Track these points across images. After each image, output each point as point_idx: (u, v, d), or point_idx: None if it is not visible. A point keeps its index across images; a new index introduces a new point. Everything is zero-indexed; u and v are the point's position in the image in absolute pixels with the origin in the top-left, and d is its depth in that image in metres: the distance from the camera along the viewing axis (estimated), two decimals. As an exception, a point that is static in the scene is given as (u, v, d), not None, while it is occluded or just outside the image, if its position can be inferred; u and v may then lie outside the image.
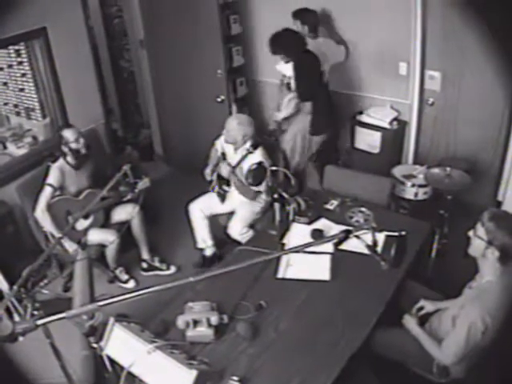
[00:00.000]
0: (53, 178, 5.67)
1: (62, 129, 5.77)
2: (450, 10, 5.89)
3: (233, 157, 5.85)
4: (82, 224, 5.82)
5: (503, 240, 3.47)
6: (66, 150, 5.69)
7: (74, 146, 5.67)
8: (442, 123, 6.75)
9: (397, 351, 4.07)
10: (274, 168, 5.14)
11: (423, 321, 4.13)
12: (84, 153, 5.77)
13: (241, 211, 5.97)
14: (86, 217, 5.82)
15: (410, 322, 4.02)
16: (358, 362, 3.73)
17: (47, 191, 5.64)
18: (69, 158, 5.76)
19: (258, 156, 5.55)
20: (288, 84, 6.68)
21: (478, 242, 3.61)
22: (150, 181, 5.55)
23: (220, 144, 6.04)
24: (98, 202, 5.58)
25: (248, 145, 5.63)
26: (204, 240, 6.31)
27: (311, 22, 6.74)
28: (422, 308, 4.23)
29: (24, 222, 6.00)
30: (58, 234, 5.60)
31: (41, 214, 5.63)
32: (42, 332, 2.70)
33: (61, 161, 5.75)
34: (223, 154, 5.99)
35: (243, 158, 5.66)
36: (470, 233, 3.69)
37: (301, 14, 6.72)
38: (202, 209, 6.16)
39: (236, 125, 5.61)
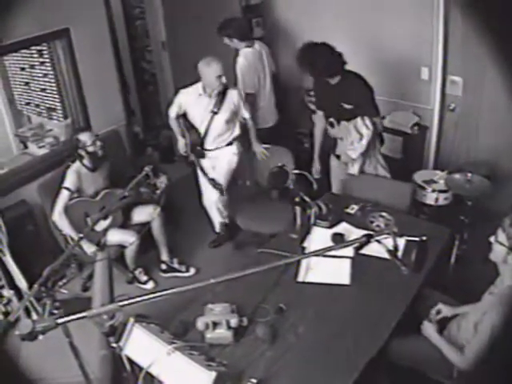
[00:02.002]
0: (69, 181, 5.70)
1: (78, 132, 5.80)
2: (471, 16, 5.88)
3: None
4: (101, 225, 5.83)
5: None
6: (82, 153, 5.71)
7: (91, 149, 5.69)
8: (463, 128, 6.73)
9: (415, 360, 4.04)
10: (296, 171, 5.14)
11: (441, 328, 4.11)
12: (101, 155, 5.80)
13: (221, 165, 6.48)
14: (104, 217, 5.83)
15: (428, 328, 3.99)
16: (375, 368, 3.72)
17: (64, 195, 5.67)
18: (85, 161, 5.78)
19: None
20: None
21: (500, 248, 3.59)
22: (167, 179, 5.52)
23: None
24: (116, 202, 5.61)
25: None
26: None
27: (239, 32, 6.71)
28: (439, 312, 4.20)
29: (44, 222, 6.02)
30: (76, 236, 5.62)
31: (58, 218, 5.67)
32: (59, 331, 2.70)
33: (77, 163, 5.78)
34: None
35: None
36: (492, 238, 3.67)
37: (224, 29, 6.75)
38: (208, 196, 6.56)
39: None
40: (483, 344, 3.52)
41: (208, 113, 6.08)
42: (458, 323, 4.01)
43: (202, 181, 6.58)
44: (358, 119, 5.58)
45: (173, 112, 6.34)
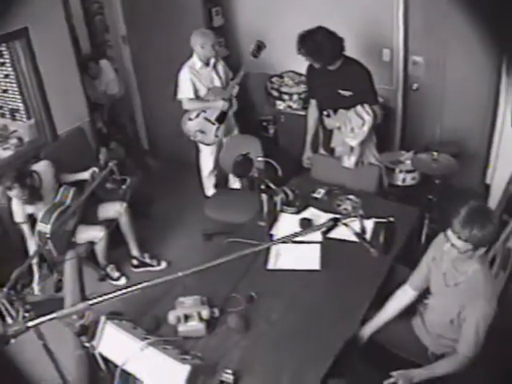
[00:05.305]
0: (17, 215, 5.69)
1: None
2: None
3: None
4: (69, 224, 5.78)
5: None
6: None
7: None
8: (428, 108, 6.78)
9: (390, 342, 4.05)
10: (260, 159, 5.14)
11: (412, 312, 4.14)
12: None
13: None
14: (72, 215, 5.76)
15: (402, 377, 3.66)
16: (350, 352, 3.74)
17: (25, 228, 5.72)
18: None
19: None
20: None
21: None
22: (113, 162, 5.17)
23: None
24: (77, 198, 5.60)
25: None
26: (209, 188, 7.15)
27: None
28: None
29: (12, 223, 5.96)
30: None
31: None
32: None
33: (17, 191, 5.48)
34: None
35: None
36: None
37: None
38: (212, 162, 6.92)
39: None
40: (476, 335, 3.46)
41: (214, 79, 6.45)
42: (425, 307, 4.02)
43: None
44: (358, 106, 5.39)
45: (189, 92, 6.41)
